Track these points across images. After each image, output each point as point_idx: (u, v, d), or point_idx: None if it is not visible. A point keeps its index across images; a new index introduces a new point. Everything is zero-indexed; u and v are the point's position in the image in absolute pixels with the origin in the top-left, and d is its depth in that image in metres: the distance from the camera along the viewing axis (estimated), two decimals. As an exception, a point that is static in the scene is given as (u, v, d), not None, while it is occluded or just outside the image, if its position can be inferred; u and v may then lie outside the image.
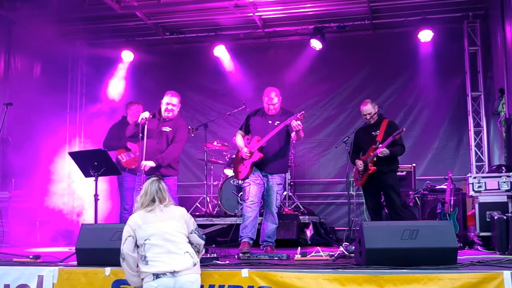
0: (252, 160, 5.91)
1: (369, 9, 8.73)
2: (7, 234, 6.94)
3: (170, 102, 5.89)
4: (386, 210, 6.55)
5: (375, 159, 6.10)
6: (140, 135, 5.66)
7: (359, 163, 6.25)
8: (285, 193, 8.06)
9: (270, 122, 5.99)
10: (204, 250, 3.98)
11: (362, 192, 6.69)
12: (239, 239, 5.91)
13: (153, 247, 3.54)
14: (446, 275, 3.62)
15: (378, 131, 6.23)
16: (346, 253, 4.90)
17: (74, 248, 4.67)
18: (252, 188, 5.93)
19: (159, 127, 5.89)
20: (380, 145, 6.07)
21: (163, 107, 5.92)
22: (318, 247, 5.49)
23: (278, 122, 5.91)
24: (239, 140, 6.14)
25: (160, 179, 3.85)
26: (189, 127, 6.73)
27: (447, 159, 8.97)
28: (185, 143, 6.08)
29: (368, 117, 6.31)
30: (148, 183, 3.79)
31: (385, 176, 6.15)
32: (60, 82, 9.82)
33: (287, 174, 7.90)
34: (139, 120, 5.71)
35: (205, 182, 8.54)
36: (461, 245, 6.05)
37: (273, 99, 5.97)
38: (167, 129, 5.90)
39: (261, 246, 5.98)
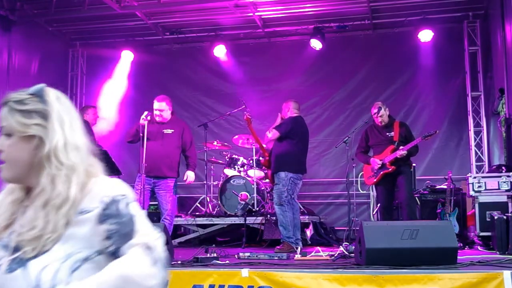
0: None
1: (369, 9, 8.72)
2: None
3: (157, 108, 6.01)
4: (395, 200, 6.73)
5: (393, 159, 6.25)
6: (141, 134, 5.70)
7: (377, 162, 6.30)
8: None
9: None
10: None
11: (373, 193, 6.75)
12: None
13: None
14: (446, 275, 3.62)
15: (392, 132, 6.41)
16: (346, 253, 4.90)
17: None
18: None
19: (160, 129, 5.97)
20: (402, 147, 6.23)
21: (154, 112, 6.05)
22: (318, 247, 5.49)
23: None
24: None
25: None
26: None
27: (447, 159, 8.96)
28: None
29: (385, 120, 6.49)
30: None
31: (400, 169, 6.32)
32: (60, 82, 9.80)
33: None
34: (140, 121, 5.79)
35: (205, 182, 8.53)
36: (461, 245, 6.05)
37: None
38: (168, 131, 5.99)
39: None
